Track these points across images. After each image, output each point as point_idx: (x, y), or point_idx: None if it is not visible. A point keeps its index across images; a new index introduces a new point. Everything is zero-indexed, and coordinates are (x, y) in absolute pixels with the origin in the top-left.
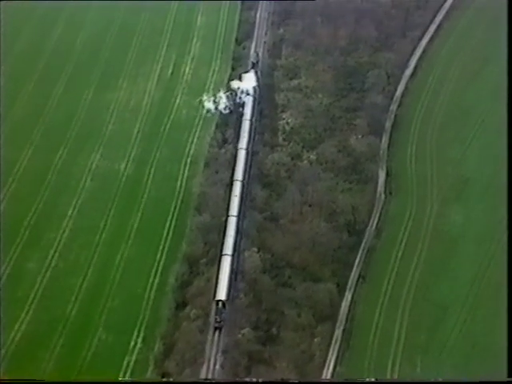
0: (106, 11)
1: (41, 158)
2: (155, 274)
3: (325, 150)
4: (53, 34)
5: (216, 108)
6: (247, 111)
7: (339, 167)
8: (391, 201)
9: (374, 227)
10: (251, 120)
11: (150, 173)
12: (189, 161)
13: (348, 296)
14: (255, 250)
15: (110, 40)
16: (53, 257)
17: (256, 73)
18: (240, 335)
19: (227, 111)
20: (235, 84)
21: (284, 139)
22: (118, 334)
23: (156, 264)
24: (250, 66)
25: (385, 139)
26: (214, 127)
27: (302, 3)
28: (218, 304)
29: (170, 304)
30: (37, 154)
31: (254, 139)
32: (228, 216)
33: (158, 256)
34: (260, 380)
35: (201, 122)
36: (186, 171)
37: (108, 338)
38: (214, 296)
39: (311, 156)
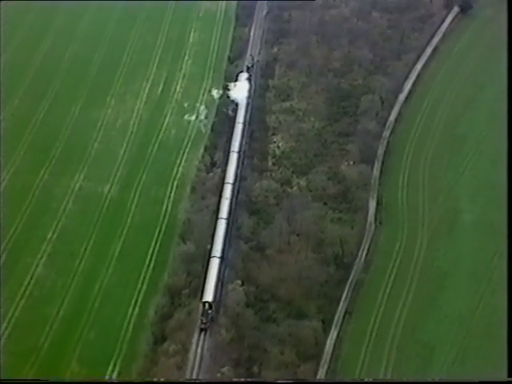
0: (96, 25)
1: (22, 178)
2: (134, 305)
3: (315, 177)
4: (41, 46)
5: (196, 118)
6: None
7: (329, 195)
8: (381, 231)
9: (362, 260)
10: (241, 142)
11: (134, 196)
12: (175, 184)
13: (333, 333)
14: (239, 282)
15: (100, 55)
16: (28, 283)
17: (250, 76)
18: (219, 374)
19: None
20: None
21: (274, 164)
22: (92, 369)
23: (136, 294)
24: (244, 69)
25: (376, 167)
26: (202, 149)
27: (296, 22)
28: (204, 305)
29: (149, 338)
30: (18, 175)
31: (242, 163)
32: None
33: (139, 286)
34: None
35: (189, 144)
36: (172, 195)
37: (81, 372)
38: (201, 297)
39: (301, 182)
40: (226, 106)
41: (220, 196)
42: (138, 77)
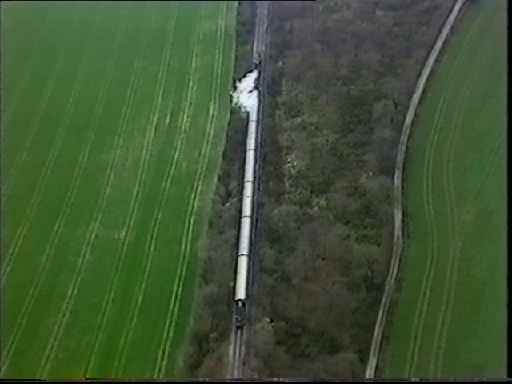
0: (97, 63)
1: (37, 234)
2: (162, 357)
3: (335, 194)
4: (44, 93)
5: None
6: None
7: (351, 212)
8: (410, 245)
9: (393, 278)
10: (254, 169)
11: (152, 238)
12: (192, 220)
13: (372, 363)
14: (267, 319)
15: (104, 94)
16: (52, 347)
17: (259, 74)
18: None
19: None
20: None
21: (291, 185)
22: None
23: (162, 345)
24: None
25: (397, 175)
26: (216, 179)
27: (299, 31)
28: (237, 304)
29: None
30: (32, 231)
31: (258, 189)
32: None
33: (165, 335)
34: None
35: (202, 176)
36: (190, 233)
37: None
38: (234, 296)
39: (321, 202)
40: (235, 130)
41: (238, 230)
42: (144, 111)
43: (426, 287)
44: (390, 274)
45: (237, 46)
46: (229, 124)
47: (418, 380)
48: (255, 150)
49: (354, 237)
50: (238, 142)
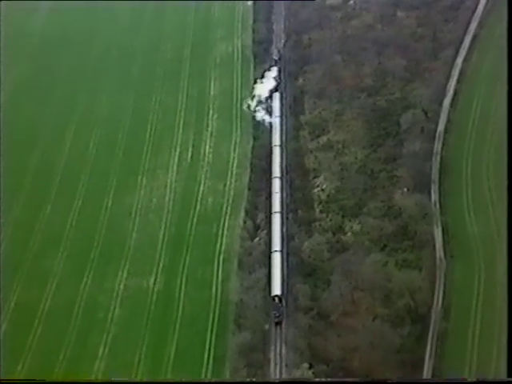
0: (116, 100)
1: (65, 291)
2: None
3: (369, 216)
4: (65, 139)
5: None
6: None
7: (388, 235)
8: (454, 266)
9: (439, 306)
10: (281, 199)
11: (181, 283)
12: (221, 259)
13: None
14: (306, 365)
15: (124, 133)
16: None
17: (279, 70)
18: None
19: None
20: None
21: (321, 211)
22: None
23: None
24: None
25: (434, 189)
26: (243, 213)
27: (318, 43)
28: (274, 299)
29: None
30: (60, 288)
31: (287, 218)
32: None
33: None
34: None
35: (229, 209)
36: (220, 274)
37: None
38: (270, 292)
39: (354, 226)
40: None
41: (269, 267)
42: (166, 146)
43: (476, 313)
44: (435, 301)
45: (255, 67)
46: (252, 151)
47: (418, 380)
48: (281, 177)
49: (393, 262)
50: (262, 169)
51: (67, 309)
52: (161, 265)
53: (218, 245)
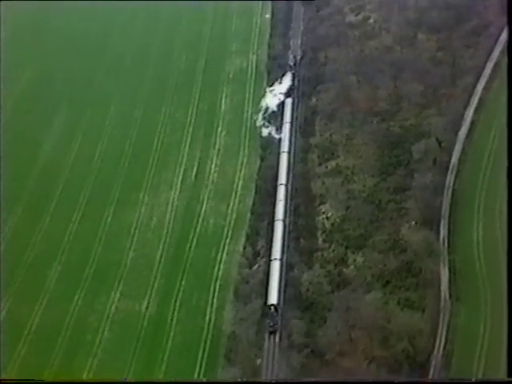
0: (125, 112)
1: (55, 309)
2: None
3: (373, 250)
4: (71, 149)
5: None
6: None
7: (391, 270)
8: (459, 309)
9: (440, 353)
10: (284, 223)
11: (174, 309)
12: (218, 286)
13: None
14: None
15: (130, 146)
16: None
17: (294, 75)
18: None
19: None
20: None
21: (324, 240)
22: None
23: None
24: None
25: (443, 224)
26: (243, 238)
27: (333, 62)
28: (270, 308)
29: None
30: (51, 306)
31: (288, 246)
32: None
33: None
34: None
35: (230, 233)
36: (215, 301)
37: None
38: (266, 301)
39: (357, 259)
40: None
41: (266, 298)
42: (171, 162)
43: (478, 364)
44: (436, 347)
45: (268, 84)
46: (258, 172)
47: (418, 380)
48: (285, 201)
49: (395, 300)
50: (267, 192)
51: (55, 328)
52: (155, 288)
53: (216, 270)
